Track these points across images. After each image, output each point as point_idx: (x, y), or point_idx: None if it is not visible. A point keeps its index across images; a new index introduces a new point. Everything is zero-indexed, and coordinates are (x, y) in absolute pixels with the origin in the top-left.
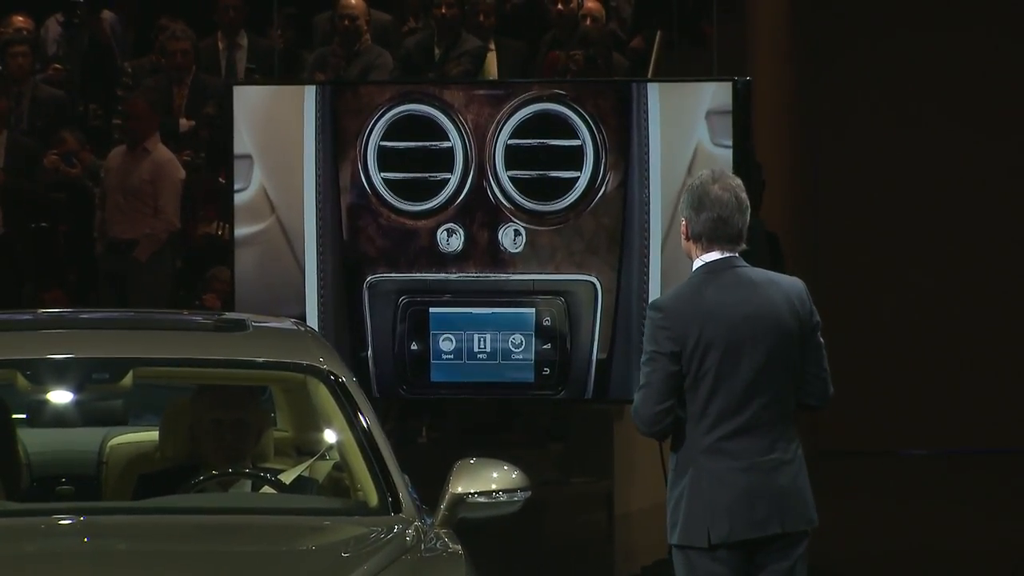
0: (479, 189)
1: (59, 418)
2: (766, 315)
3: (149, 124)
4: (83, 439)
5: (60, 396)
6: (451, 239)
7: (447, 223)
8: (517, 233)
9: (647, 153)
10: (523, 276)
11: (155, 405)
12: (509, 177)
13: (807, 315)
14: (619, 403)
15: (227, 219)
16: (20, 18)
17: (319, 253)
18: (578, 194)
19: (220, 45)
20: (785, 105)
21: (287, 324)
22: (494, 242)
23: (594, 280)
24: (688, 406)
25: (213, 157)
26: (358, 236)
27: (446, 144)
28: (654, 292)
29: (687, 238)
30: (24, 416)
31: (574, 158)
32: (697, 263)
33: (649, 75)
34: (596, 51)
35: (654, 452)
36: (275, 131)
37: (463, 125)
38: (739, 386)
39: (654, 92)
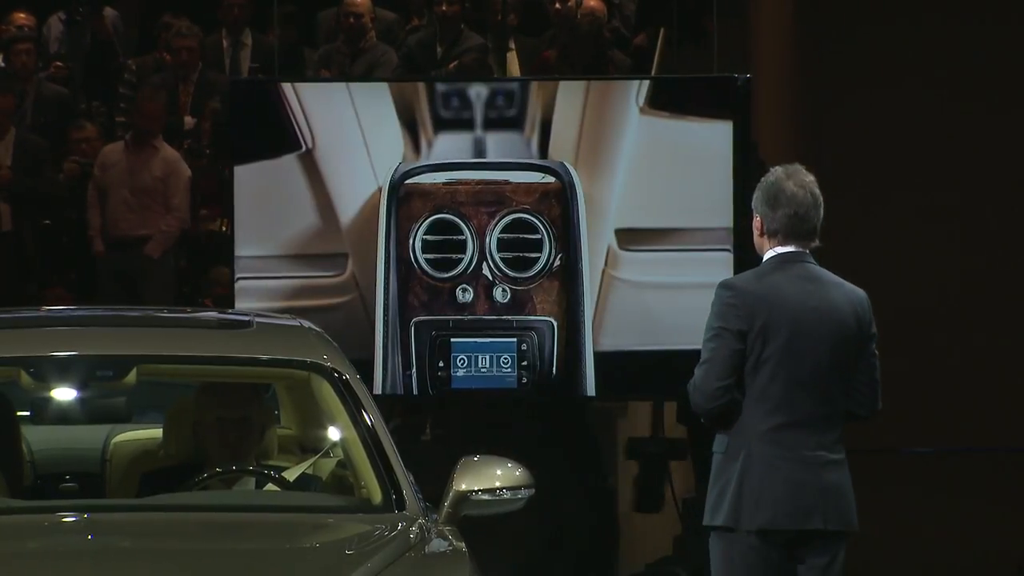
0: (480, 265)
1: (63, 415)
2: (830, 313)
3: (161, 121)
4: (87, 436)
5: (64, 393)
6: (465, 294)
7: (462, 284)
8: (504, 291)
9: (580, 241)
10: (509, 317)
11: (159, 402)
12: (499, 257)
13: (867, 324)
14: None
15: (228, 215)
16: (22, 15)
17: (384, 305)
18: (540, 267)
19: (224, 43)
20: (787, 103)
21: (291, 321)
22: (491, 296)
23: (552, 320)
24: (747, 390)
25: (216, 153)
26: (407, 293)
27: (461, 237)
28: (587, 325)
29: (761, 234)
30: (28, 413)
31: (537, 245)
32: (770, 253)
33: (653, 73)
34: (582, 46)
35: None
36: (369, 229)
37: (471, 226)
38: (797, 377)
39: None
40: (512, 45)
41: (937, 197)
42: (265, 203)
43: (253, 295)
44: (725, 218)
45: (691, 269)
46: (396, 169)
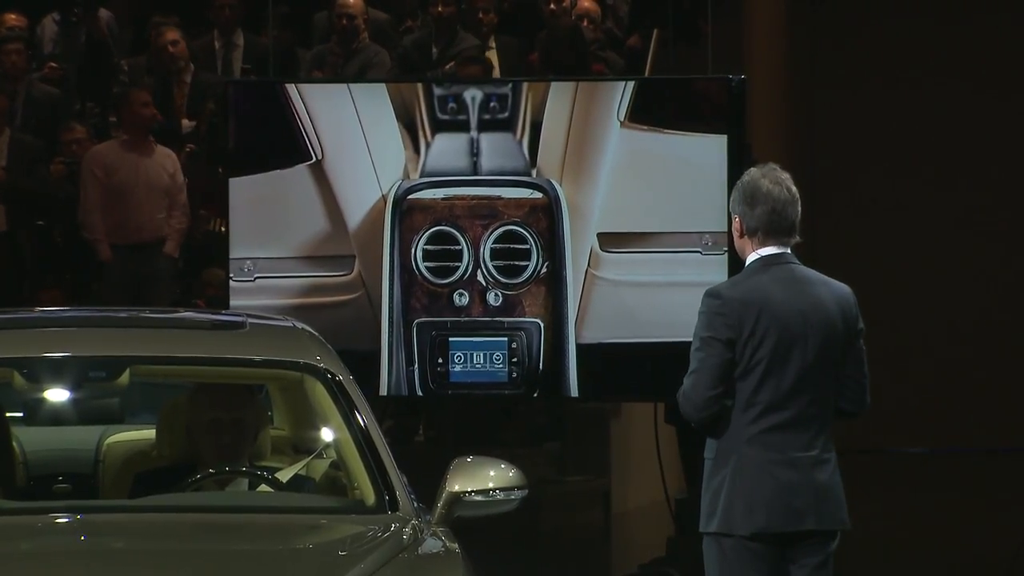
0: (475, 272)
1: (56, 416)
2: (818, 313)
3: (153, 118)
4: (80, 437)
5: (57, 394)
6: (461, 298)
7: (459, 289)
8: (496, 296)
9: (564, 251)
10: (501, 319)
11: (152, 403)
12: (492, 265)
13: (853, 320)
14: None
15: (224, 215)
16: (13, 16)
17: (389, 308)
18: (529, 274)
19: (216, 44)
20: (781, 103)
21: (284, 322)
22: (485, 300)
23: (539, 321)
24: (737, 394)
25: (213, 153)
26: (410, 297)
27: (457, 247)
28: (570, 326)
29: (742, 234)
30: (21, 414)
31: (526, 255)
32: (752, 256)
33: (647, 73)
34: (561, 48)
35: (651, 450)
36: (376, 237)
37: (467, 237)
38: (787, 380)
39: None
40: (492, 44)
41: (934, 193)
42: (270, 207)
43: (268, 293)
44: (699, 222)
45: (666, 268)
46: (399, 186)
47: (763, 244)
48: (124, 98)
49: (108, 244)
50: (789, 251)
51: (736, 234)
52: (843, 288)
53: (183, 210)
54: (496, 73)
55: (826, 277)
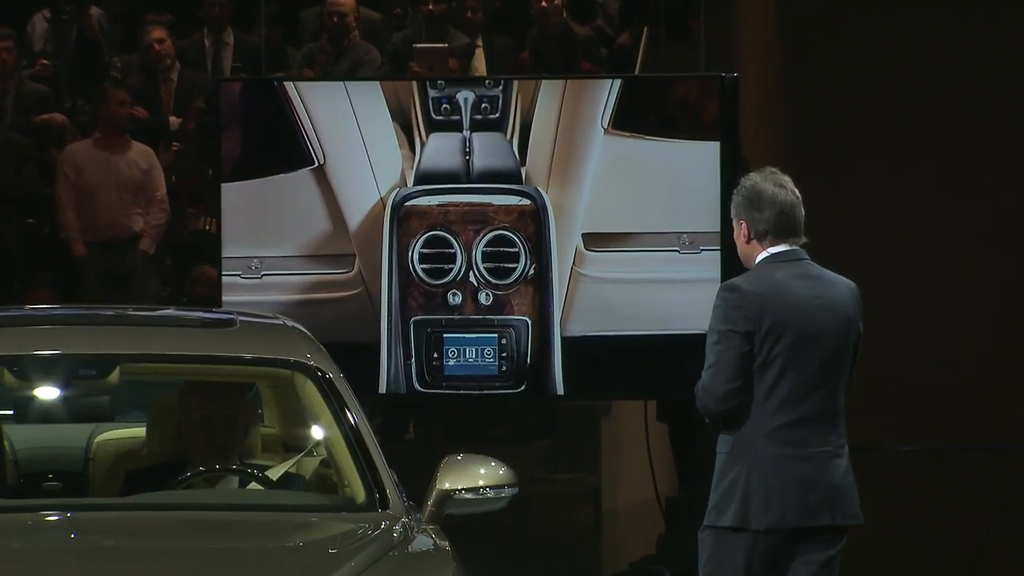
0: (468, 273)
1: (46, 414)
2: (835, 310)
3: (130, 114)
4: (70, 435)
5: (47, 392)
6: (455, 298)
7: (452, 289)
8: (487, 295)
9: (550, 254)
10: (491, 317)
11: (142, 401)
12: (483, 267)
13: (859, 314)
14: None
15: (215, 214)
16: None
17: (388, 306)
18: (517, 275)
19: (207, 43)
20: (772, 101)
21: (275, 320)
22: (476, 300)
23: (527, 319)
24: (754, 389)
25: (203, 152)
26: (407, 297)
27: (451, 251)
28: (557, 320)
29: (748, 240)
30: (11, 412)
31: (515, 257)
32: (763, 254)
33: (636, 72)
34: (550, 46)
35: (641, 448)
36: (374, 237)
37: (460, 241)
38: (806, 375)
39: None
40: (479, 43)
41: (924, 193)
42: (267, 208)
43: (273, 289)
44: (677, 222)
45: (647, 266)
46: (397, 193)
47: (773, 245)
48: (102, 96)
49: (83, 242)
50: (799, 248)
51: (743, 239)
52: (851, 284)
53: (160, 206)
54: (479, 72)
55: (834, 273)
